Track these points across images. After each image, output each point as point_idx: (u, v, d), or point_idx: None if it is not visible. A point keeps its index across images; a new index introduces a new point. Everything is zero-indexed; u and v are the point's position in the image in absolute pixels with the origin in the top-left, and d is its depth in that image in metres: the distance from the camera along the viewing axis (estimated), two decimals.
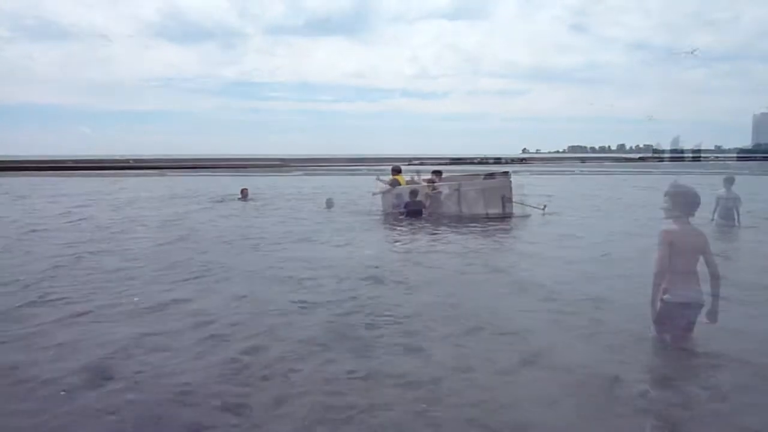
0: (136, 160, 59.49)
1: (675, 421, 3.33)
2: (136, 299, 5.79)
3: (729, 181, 11.09)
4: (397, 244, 9.79)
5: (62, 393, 3.59)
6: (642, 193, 20.88)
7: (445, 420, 3.28)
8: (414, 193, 12.99)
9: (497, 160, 65.93)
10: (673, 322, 4.12)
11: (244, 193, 17.78)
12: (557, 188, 23.99)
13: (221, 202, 17.41)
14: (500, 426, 3.25)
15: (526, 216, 12.85)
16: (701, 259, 4.02)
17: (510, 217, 12.54)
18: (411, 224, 11.95)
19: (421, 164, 45.30)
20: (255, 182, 26.54)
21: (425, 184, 13.76)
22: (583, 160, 72.29)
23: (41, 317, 5.18)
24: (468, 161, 63.47)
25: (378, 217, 13.18)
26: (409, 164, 44.10)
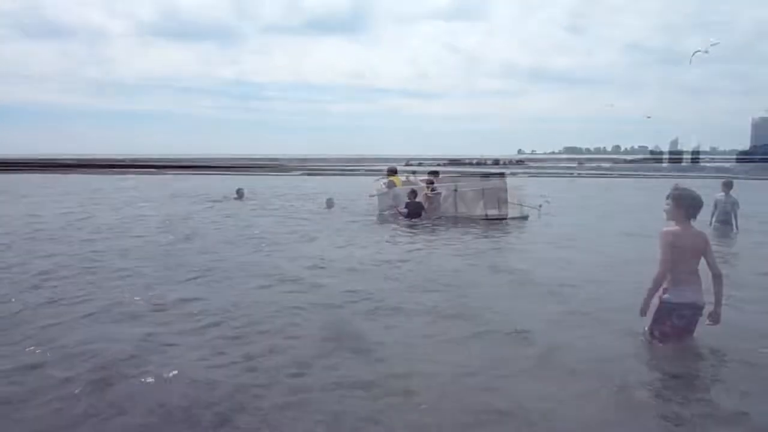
0: (133, 160, 59.39)
1: (677, 421, 3.37)
2: (137, 299, 5.82)
3: (727, 185, 11.16)
4: (399, 244, 9.83)
5: (76, 392, 3.61)
6: (640, 196, 20.93)
7: (446, 420, 3.33)
8: (414, 193, 13.05)
9: (495, 162, 65.93)
10: (673, 321, 4.17)
11: (240, 193, 17.89)
12: (554, 189, 24.03)
13: (221, 202, 17.45)
14: (503, 426, 3.29)
15: (524, 217, 12.91)
16: (702, 260, 4.08)
17: (506, 218, 12.59)
18: (411, 224, 12.01)
19: (419, 165, 45.36)
20: (255, 182, 26.53)
21: (423, 185, 13.83)
22: (580, 161, 72.37)
23: (46, 318, 5.19)
24: (467, 162, 63.45)
25: (376, 218, 13.22)
26: (406, 165, 44.17)
